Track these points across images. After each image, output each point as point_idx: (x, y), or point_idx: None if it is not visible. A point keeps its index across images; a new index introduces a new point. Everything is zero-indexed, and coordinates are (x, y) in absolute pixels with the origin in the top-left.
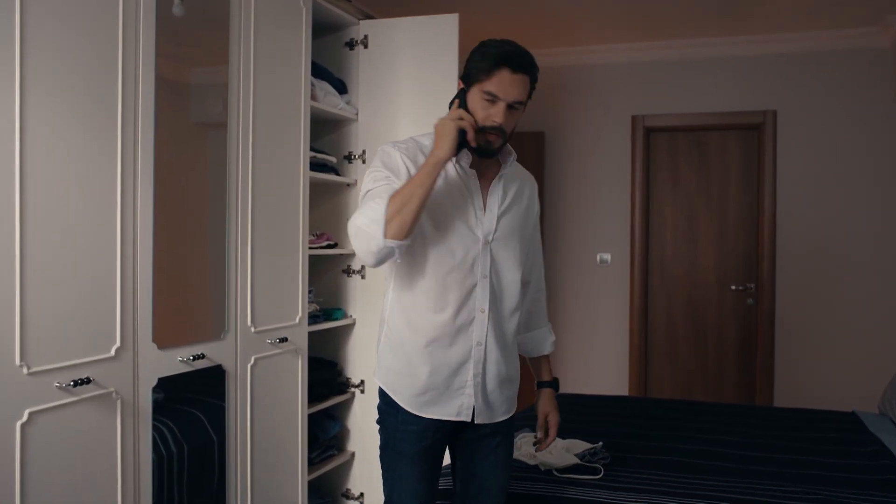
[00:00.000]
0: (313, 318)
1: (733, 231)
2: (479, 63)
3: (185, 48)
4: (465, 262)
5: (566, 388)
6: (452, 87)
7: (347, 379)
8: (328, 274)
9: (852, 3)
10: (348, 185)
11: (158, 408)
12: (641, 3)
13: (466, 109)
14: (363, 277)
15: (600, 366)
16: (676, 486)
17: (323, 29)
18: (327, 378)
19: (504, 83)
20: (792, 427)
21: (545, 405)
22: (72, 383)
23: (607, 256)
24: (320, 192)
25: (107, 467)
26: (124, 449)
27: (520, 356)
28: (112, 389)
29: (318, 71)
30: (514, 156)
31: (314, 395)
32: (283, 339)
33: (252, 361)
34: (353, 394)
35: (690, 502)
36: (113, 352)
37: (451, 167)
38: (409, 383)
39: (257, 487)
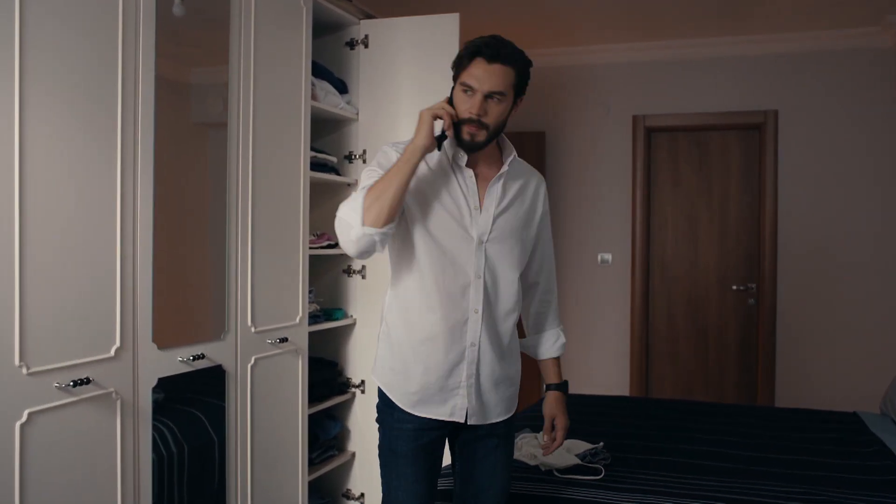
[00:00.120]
0: (314, 318)
1: (734, 231)
2: (458, 58)
3: (186, 48)
4: (458, 261)
5: None
6: None
7: (348, 379)
8: (329, 274)
9: (853, 3)
10: (349, 184)
11: (159, 408)
12: (642, 3)
13: (452, 106)
14: (364, 277)
15: (601, 366)
16: (677, 487)
17: (323, 28)
18: (328, 378)
19: (478, 73)
20: (793, 427)
21: (552, 408)
22: (71, 383)
23: (608, 256)
24: (321, 192)
25: (107, 467)
26: (124, 449)
27: (524, 356)
28: (112, 390)
29: (319, 71)
30: (512, 154)
31: (314, 396)
32: (284, 340)
33: (252, 361)
34: (354, 394)
35: (691, 503)
36: (113, 352)
37: (448, 167)
38: (404, 381)
39: (257, 488)
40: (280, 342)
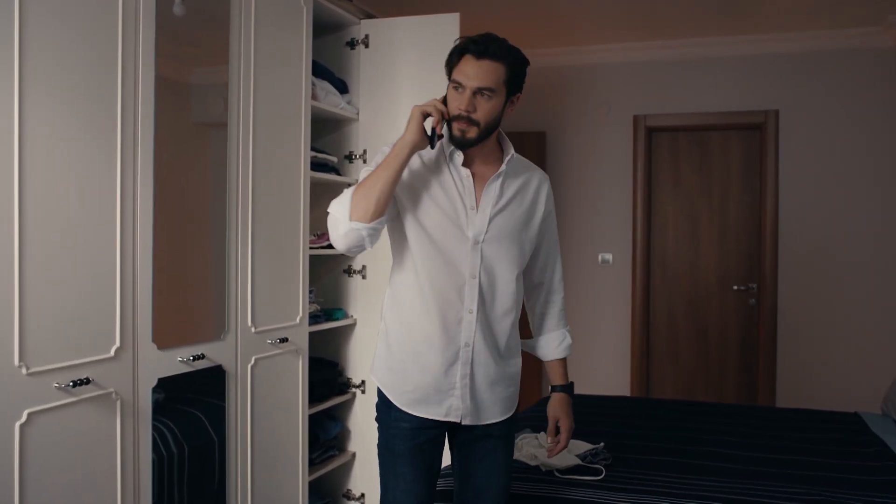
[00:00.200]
0: (314, 319)
1: (735, 231)
2: (448, 56)
3: (186, 48)
4: (453, 261)
5: None
6: None
7: (348, 379)
8: (329, 274)
9: (854, 3)
10: (349, 184)
11: (159, 408)
12: (643, 3)
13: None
14: (364, 277)
15: (602, 366)
16: (678, 487)
17: (324, 28)
18: (328, 378)
19: (467, 70)
20: (794, 427)
21: (555, 410)
22: (71, 384)
23: (609, 256)
24: (321, 192)
25: (106, 468)
26: (124, 449)
27: (527, 356)
28: (111, 390)
29: (319, 70)
30: (510, 153)
31: (315, 396)
32: (284, 340)
33: (252, 362)
34: (354, 394)
35: (692, 503)
36: (112, 352)
37: (444, 166)
38: (400, 380)
39: (258, 488)
40: (280, 342)
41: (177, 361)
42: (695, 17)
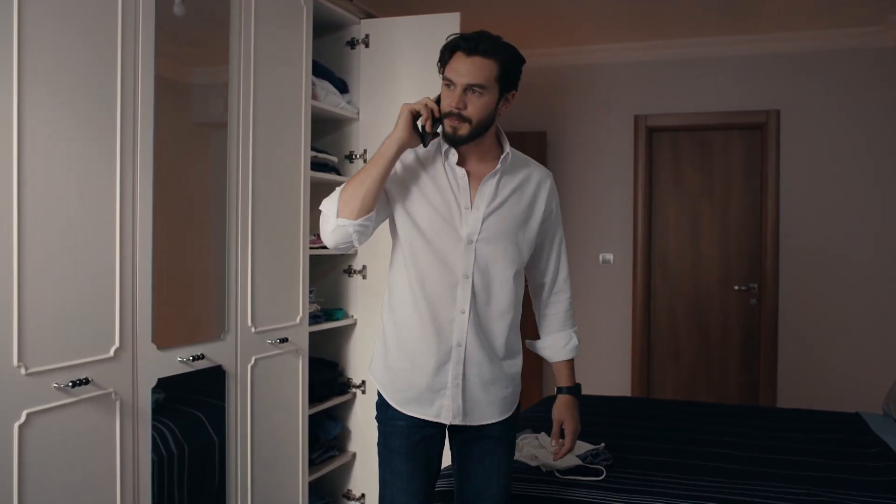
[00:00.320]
0: (314, 319)
1: (736, 231)
2: (440, 54)
3: (186, 48)
4: (447, 261)
5: None
6: None
7: (348, 379)
8: (329, 274)
9: (855, 2)
10: None
11: (159, 408)
12: (643, 3)
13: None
14: (364, 277)
15: (603, 366)
16: (679, 488)
17: (324, 28)
18: (328, 378)
19: (457, 66)
20: (795, 428)
21: (560, 412)
22: (70, 384)
23: (610, 256)
24: (322, 192)
25: (106, 468)
26: (123, 450)
27: (530, 357)
28: (111, 390)
29: (320, 70)
30: (506, 152)
31: (315, 396)
32: (284, 340)
33: (252, 362)
34: (355, 394)
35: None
36: (112, 352)
37: (440, 165)
38: (393, 379)
39: (258, 488)
40: (280, 342)
41: (176, 361)
42: (695, 16)
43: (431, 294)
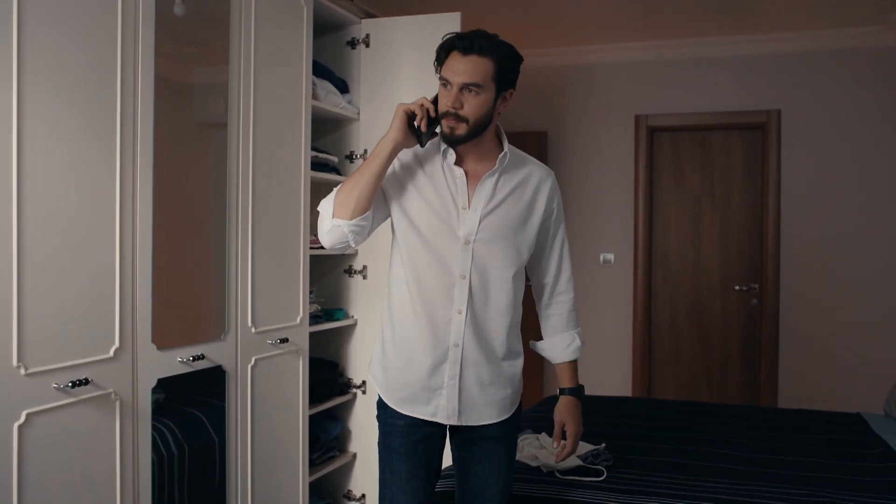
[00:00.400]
0: (314, 319)
1: (737, 231)
2: (436, 54)
3: (186, 48)
4: (444, 261)
5: None
6: None
7: (349, 380)
8: (330, 274)
9: (856, 2)
10: None
11: (159, 408)
12: (644, 3)
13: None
14: (365, 278)
15: (603, 366)
16: (679, 488)
17: (324, 28)
18: (328, 379)
19: (453, 66)
20: (796, 428)
21: (561, 413)
22: (70, 384)
23: (610, 256)
24: (322, 192)
25: (105, 469)
26: (123, 450)
27: (532, 357)
28: (111, 390)
29: (320, 70)
30: (504, 151)
31: (315, 396)
32: (284, 340)
33: (252, 362)
34: (355, 394)
35: None
36: (112, 352)
37: (439, 165)
38: (389, 378)
39: (258, 488)
40: (280, 342)
41: (176, 362)
42: (695, 16)
43: (428, 294)
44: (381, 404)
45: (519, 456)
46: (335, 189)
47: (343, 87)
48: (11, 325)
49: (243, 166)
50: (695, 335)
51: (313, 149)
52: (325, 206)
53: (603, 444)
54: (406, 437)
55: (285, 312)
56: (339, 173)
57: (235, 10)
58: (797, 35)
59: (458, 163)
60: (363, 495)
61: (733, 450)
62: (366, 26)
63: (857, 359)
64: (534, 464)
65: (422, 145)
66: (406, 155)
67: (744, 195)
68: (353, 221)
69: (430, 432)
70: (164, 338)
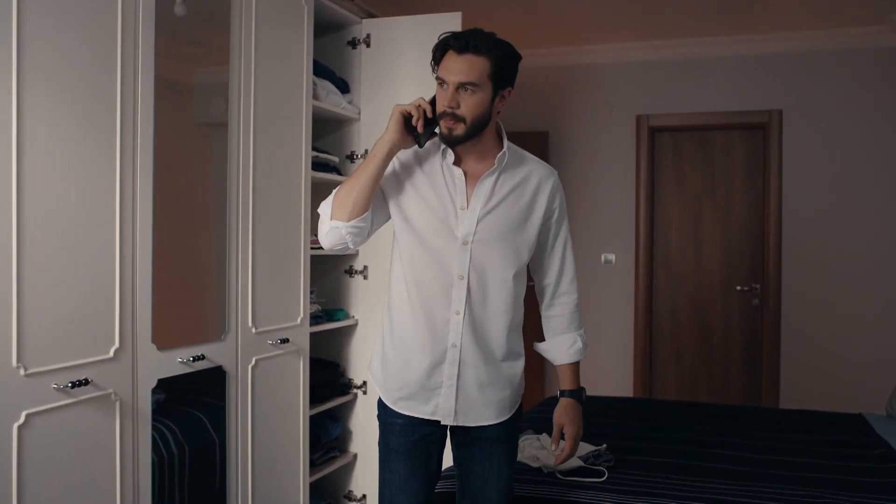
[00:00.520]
0: (315, 319)
1: (738, 231)
2: (433, 54)
3: (187, 48)
4: (442, 261)
5: None
6: None
7: (350, 380)
8: (331, 274)
9: (857, 2)
10: None
11: (159, 408)
12: (644, 3)
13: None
14: (366, 278)
15: (604, 367)
16: (681, 489)
17: (325, 28)
18: (329, 379)
19: (449, 65)
20: (798, 429)
21: (560, 416)
22: (70, 385)
23: (611, 257)
24: (323, 192)
25: (105, 469)
26: (123, 451)
27: (529, 356)
28: (111, 391)
29: (321, 70)
30: (503, 151)
31: (316, 397)
32: (285, 340)
33: (253, 362)
34: (356, 395)
35: None
36: (112, 353)
37: (438, 165)
38: (389, 377)
39: (258, 489)
40: (281, 343)
41: (177, 362)
42: (696, 16)
43: (426, 294)
44: (381, 403)
45: (520, 457)
46: (334, 191)
47: (344, 87)
48: (11, 326)
49: (244, 166)
50: (696, 335)
51: (314, 149)
52: (325, 207)
53: (604, 445)
54: (405, 437)
55: (286, 313)
56: (339, 173)
57: (236, 10)
58: (797, 35)
59: (458, 163)
60: (364, 496)
61: (734, 450)
62: (366, 26)
63: (859, 359)
64: (535, 464)
65: (420, 146)
66: (406, 155)
67: (745, 195)
68: (351, 223)
69: (429, 432)
70: (164, 338)
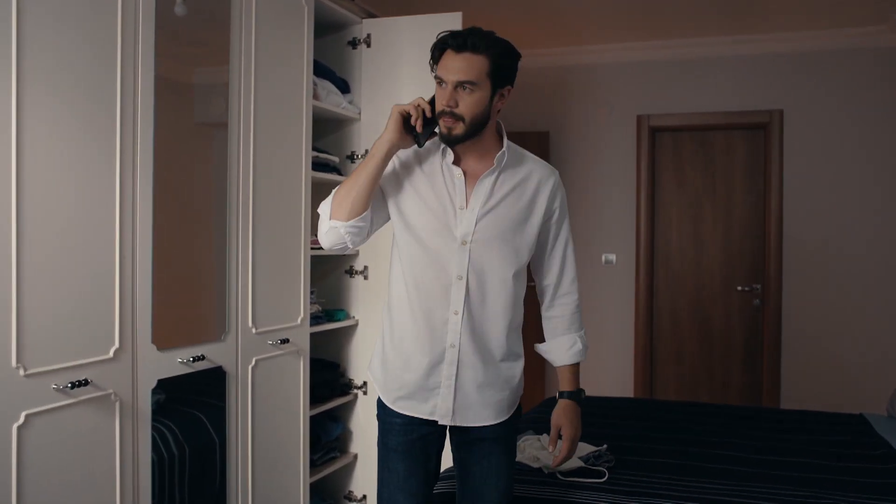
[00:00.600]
0: (315, 319)
1: (739, 231)
2: (431, 53)
3: (187, 48)
4: (441, 261)
5: None
6: None
7: (350, 380)
8: (331, 275)
9: (857, 2)
10: None
11: (159, 409)
12: (644, 3)
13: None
14: (366, 278)
15: (605, 367)
16: (681, 490)
17: (326, 28)
18: (329, 379)
19: (447, 64)
20: (799, 429)
21: (558, 417)
22: (69, 385)
23: (612, 257)
24: (323, 192)
25: (105, 469)
26: (123, 451)
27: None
28: (110, 391)
29: (321, 70)
30: (502, 150)
31: (316, 397)
32: (285, 341)
33: (253, 363)
34: (356, 395)
35: None
36: (111, 353)
37: (438, 165)
38: (388, 377)
39: (258, 489)
40: (281, 343)
41: (176, 362)
42: (696, 16)
43: (425, 294)
44: (381, 403)
45: (520, 457)
46: (334, 190)
47: (344, 87)
48: (11, 326)
49: (244, 166)
50: (697, 336)
51: (314, 149)
52: (324, 207)
53: (604, 446)
54: (404, 436)
55: (286, 313)
56: (339, 173)
57: (236, 10)
58: (797, 35)
59: (458, 162)
60: (364, 496)
61: (735, 451)
62: (367, 26)
63: (860, 359)
64: (535, 465)
65: (419, 146)
66: (406, 155)
67: (745, 195)
68: (350, 223)
69: (427, 432)
70: (164, 338)
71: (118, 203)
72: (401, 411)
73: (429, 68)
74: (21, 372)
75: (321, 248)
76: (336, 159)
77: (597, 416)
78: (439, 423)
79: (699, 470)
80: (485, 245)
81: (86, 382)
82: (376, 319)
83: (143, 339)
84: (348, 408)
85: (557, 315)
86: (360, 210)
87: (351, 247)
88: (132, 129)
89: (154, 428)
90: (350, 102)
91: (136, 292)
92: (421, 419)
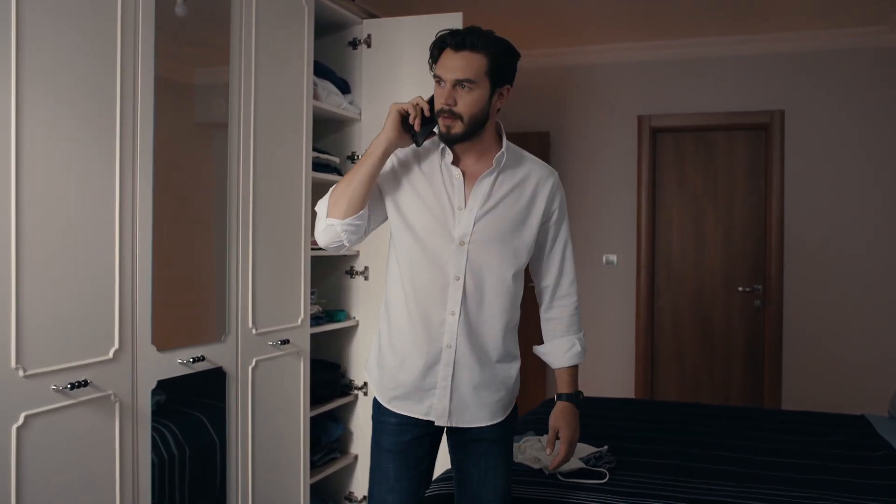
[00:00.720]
0: (316, 320)
1: (740, 232)
2: (430, 52)
3: (187, 48)
4: (438, 262)
5: None
6: None
7: (350, 381)
8: (331, 275)
9: (857, 2)
10: None
11: (159, 409)
12: (645, 3)
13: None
14: (366, 279)
15: (606, 368)
16: (682, 491)
17: (326, 28)
18: (330, 380)
19: (446, 62)
20: (800, 430)
21: (556, 419)
22: (69, 386)
23: (613, 258)
24: (323, 193)
25: (105, 471)
26: (123, 452)
27: (530, 357)
28: (110, 392)
29: (321, 70)
30: (501, 151)
31: (316, 398)
32: (285, 341)
33: (253, 364)
34: (357, 396)
35: None
36: (111, 354)
37: (437, 165)
38: (384, 376)
39: (259, 490)
40: (281, 344)
41: (176, 363)
42: (696, 16)
43: (422, 294)
44: (376, 402)
45: (521, 458)
46: (331, 188)
47: (344, 88)
48: (10, 327)
49: (244, 167)
50: (698, 336)
51: (314, 149)
52: (321, 205)
53: (605, 447)
54: (397, 437)
55: (286, 314)
56: (340, 174)
57: (236, 11)
58: (798, 35)
59: (457, 162)
60: (364, 497)
61: (736, 452)
62: (367, 26)
63: (862, 360)
64: (536, 466)
65: (417, 145)
66: (405, 154)
67: (747, 196)
68: (347, 221)
69: (422, 433)
70: (164, 339)
71: (118, 203)
72: (396, 411)
73: (429, 69)
74: (20, 373)
75: (322, 249)
76: (336, 160)
77: (597, 417)
78: (435, 423)
79: (700, 471)
80: (483, 246)
81: (85, 383)
82: (376, 320)
83: (142, 339)
84: (349, 409)
85: (556, 317)
86: (356, 208)
87: (348, 245)
88: (132, 130)
89: (154, 429)
90: (350, 103)
91: (136, 293)
92: (416, 419)
